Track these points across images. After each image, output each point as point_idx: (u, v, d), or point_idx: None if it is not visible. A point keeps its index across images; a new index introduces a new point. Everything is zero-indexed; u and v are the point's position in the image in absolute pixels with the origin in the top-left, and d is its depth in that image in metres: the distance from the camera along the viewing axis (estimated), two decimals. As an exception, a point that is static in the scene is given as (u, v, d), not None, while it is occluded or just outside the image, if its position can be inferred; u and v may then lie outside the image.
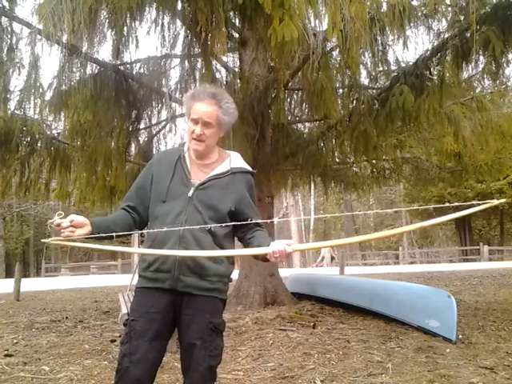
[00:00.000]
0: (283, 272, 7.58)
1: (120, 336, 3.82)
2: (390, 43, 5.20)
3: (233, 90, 5.30)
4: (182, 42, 5.42)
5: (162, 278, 1.65)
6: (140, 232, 1.83)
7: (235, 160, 1.82)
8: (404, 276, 11.35)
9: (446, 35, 4.55)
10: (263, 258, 1.63)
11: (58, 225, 1.56)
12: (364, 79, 5.93)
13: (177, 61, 6.21)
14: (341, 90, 5.78)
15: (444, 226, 28.47)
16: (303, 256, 29.23)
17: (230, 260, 1.77)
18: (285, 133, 6.04)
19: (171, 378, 2.94)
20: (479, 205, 1.55)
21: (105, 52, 15.82)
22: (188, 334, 1.66)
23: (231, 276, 1.79)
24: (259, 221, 1.77)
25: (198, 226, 1.62)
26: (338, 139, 5.79)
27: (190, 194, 1.68)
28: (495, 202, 1.54)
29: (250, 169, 1.85)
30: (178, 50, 5.73)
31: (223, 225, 1.67)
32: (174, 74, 10.69)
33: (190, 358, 1.65)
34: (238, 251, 1.70)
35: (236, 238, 1.83)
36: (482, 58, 4.33)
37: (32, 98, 4.96)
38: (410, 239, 31.77)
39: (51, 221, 1.57)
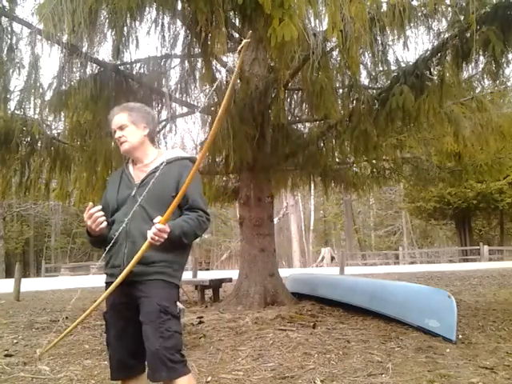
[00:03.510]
0: (283, 272, 7.59)
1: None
2: (390, 43, 5.18)
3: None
4: (182, 42, 5.40)
5: (115, 273, 1.78)
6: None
7: (170, 153, 1.96)
8: (404, 276, 11.36)
9: (446, 35, 4.54)
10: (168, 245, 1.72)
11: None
12: (364, 79, 5.92)
13: (177, 61, 6.19)
14: (341, 90, 5.76)
15: (444, 226, 28.47)
16: (303, 256, 29.24)
17: (181, 250, 1.85)
18: (285, 133, 6.04)
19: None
20: None
21: (105, 52, 15.81)
22: (141, 318, 1.75)
23: (184, 264, 1.90)
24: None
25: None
26: (338, 139, 5.78)
27: (133, 193, 1.84)
28: None
29: (185, 155, 1.97)
30: (178, 49, 5.71)
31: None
32: (174, 74, 10.69)
33: (146, 344, 1.72)
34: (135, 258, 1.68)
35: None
36: (482, 57, 4.31)
37: (32, 98, 4.94)
38: (410, 239, 31.79)
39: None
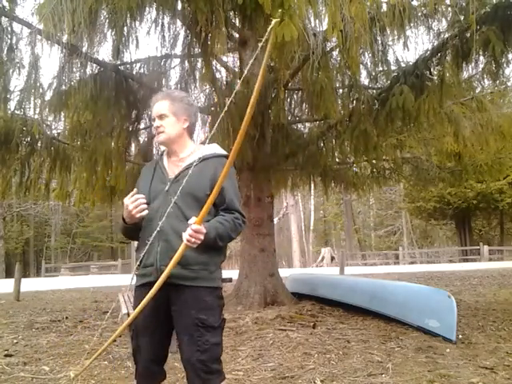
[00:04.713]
0: (283, 272, 7.59)
1: (120, 336, 3.81)
2: (390, 43, 5.19)
3: (233, 90, 5.29)
4: (182, 42, 5.42)
5: (148, 272, 1.72)
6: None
7: (207, 148, 1.84)
8: (404, 276, 11.36)
9: (446, 35, 4.54)
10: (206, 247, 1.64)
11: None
12: (364, 79, 5.93)
13: (177, 61, 6.21)
14: (341, 90, 5.77)
15: (444, 226, 28.48)
16: (303, 256, 29.24)
17: (217, 249, 1.77)
18: (285, 133, 6.04)
19: (171, 378, 2.94)
20: None
21: (105, 52, 15.84)
22: (177, 329, 1.73)
23: (220, 263, 1.83)
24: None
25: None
26: (338, 139, 5.79)
27: (167, 188, 1.75)
28: None
29: (223, 152, 1.86)
30: (178, 50, 5.73)
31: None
32: (174, 74, 10.68)
33: (181, 352, 1.72)
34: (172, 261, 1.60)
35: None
36: (482, 57, 4.32)
37: (32, 98, 4.94)
38: (410, 239, 31.78)
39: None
